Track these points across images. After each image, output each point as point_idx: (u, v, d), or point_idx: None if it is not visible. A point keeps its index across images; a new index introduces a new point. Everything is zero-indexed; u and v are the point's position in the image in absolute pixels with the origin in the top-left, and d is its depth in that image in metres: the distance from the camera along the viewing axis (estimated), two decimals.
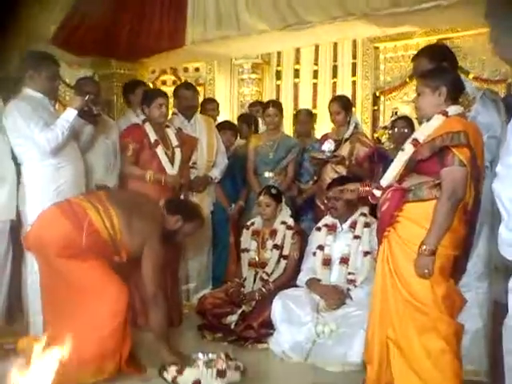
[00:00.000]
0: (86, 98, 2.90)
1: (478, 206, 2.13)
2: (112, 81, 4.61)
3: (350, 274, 2.93)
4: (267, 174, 3.74)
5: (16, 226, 2.94)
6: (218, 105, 4.64)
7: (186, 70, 6.81)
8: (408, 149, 2.15)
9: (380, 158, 3.49)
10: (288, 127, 5.91)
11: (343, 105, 3.55)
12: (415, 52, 2.81)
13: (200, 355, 2.52)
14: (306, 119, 4.19)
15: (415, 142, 2.13)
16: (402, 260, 2.06)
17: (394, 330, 2.08)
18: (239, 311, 3.11)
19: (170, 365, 2.44)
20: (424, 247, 1.98)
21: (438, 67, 2.33)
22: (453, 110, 2.09)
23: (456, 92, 2.13)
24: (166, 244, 2.63)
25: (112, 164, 3.36)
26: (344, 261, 2.96)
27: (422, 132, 2.13)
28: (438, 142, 2.01)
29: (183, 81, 6.10)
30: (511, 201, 1.55)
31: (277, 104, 3.95)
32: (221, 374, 2.35)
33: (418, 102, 2.18)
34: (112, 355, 2.43)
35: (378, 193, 2.20)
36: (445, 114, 2.08)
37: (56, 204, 2.59)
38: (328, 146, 3.33)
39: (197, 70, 6.92)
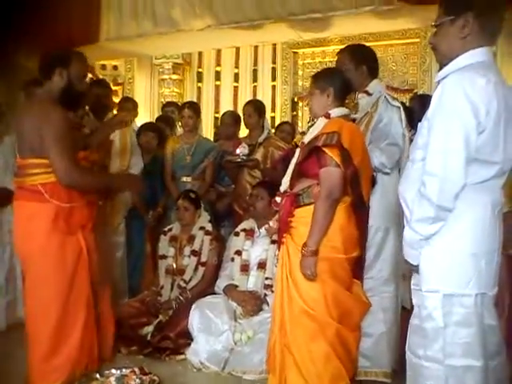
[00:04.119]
0: None
1: (364, 205, 2.19)
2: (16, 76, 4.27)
3: (267, 279, 2.90)
4: (185, 179, 3.61)
5: None
6: (136, 104, 4.45)
7: (103, 67, 6.53)
8: (297, 153, 2.20)
9: None
10: (209, 130, 5.85)
11: (257, 108, 3.56)
12: (332, 59, 2.88)
13: (113, 371, 2.41)
14: (230, 121, 4.04)
15: (302, 146, 2.17)
16: (296, 265, 2.06)
17: (287, 336, 2.08)
18: (156, 321, 2.98)
19: None
20: (306, 248, 2.00)
21: (328, 69, 2.42)
22: (336, 112, 2.15)
23: (342, 94, 2.20)
24: None
25: (12, 164, 3.08)
26: (261, 266, 2.94)
27: (309, 135, 2.17)
28: (312, 143, 2.07)
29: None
30: (413, 201, 1.57)
31: (193, 105, 3.82)
32: None
33: (310, 102, 2.25)
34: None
35: (278, 199, 2.22)
36: (327, 116, 2.14)
37: None
38: (242, 149, 3.33)
39: (115, 68, 6.67)
